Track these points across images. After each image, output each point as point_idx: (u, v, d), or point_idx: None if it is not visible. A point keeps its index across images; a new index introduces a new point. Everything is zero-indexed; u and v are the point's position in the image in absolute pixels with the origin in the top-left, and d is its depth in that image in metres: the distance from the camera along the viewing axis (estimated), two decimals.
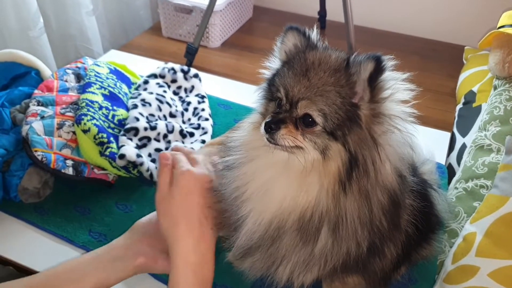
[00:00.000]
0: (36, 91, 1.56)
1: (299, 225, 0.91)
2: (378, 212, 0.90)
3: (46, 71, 1.69)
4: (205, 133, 1.66)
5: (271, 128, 0.87)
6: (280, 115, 0.88)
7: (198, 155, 1.10)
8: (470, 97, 1.81)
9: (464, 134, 1.70)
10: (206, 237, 1.01)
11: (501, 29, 1.62)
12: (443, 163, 1.67)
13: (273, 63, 1.00)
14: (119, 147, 1.45)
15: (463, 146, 1.64)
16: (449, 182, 1.56)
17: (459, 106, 1.86)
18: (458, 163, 1.61)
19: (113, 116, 1.55)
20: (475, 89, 1.81)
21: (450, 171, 1.64)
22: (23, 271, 1.27)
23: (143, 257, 1.03)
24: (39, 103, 1.51)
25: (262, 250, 0.99)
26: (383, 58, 0.81)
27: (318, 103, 0.85)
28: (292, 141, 0.87)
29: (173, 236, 0.98)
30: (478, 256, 1.16)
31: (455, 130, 1.78)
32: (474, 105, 1.76)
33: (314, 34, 0.95)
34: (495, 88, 1.61)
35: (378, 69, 0.81)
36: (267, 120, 0.88)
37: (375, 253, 1.00)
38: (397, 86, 0.85)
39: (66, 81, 1.65)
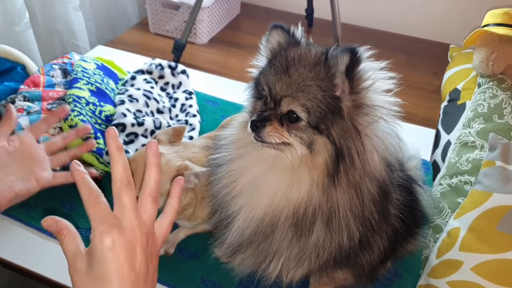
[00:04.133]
0: (22, 87, 1.55)
1: (293, 220, 0.93)
2: (369, 203, 0.92)
3: (32, 66, 1.68)
4: (193, 129, 1.66)
5: (257, 126, 0.89)
6: (265, 113, 0.90)
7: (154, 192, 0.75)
8: (455, 94, 1.84)
9: (448, 131, 1.73)
10: None
11: (485, 28, 1.64)
12: (428, 160, 1.69)
13: (260, 61, 1.01)
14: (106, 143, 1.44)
15: (448, 143, 1.66)
16: (434, 179, 1.59)
17: (444, 103, 1.89)
18: (443, 159, 1.63)
19: (100, 111, 1.55)
20: (459, 87, 1.84)
21: (435, 168, 1.66)
22: (9, 267, 1.27)
23: None
24: (25, 99, 1.50)
25: (254, 246, 1.00)
26: (358, 50, 0.82)
27: (300, 99, 0.86)
28: (278, 137, 0.89)
29: None
30: (461, 250, 1.18)
31: (440, 127, 1.80)
32: (458, 102, 1.78)
33: (298, 31, 0.96)
34: (479, 86, 1.63)
35: (354, 61, 0.82)
36: (253, 119, 0.90)
37: (364, 247, 1.02)
38: (377, 76, 0.86)
39: (52, 76, 1.65)
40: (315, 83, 0.86)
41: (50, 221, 0.68)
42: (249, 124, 0.90)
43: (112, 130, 0.71)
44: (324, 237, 0.94)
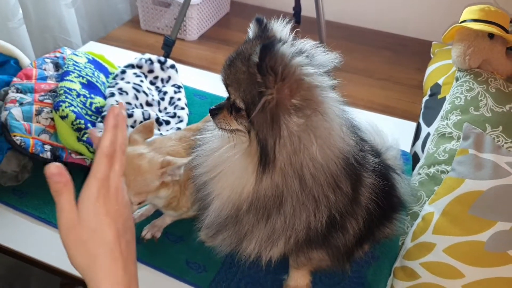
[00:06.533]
0: (15, 79, 1.59)
1: (252, 206, 0.97)
2: (319, 188, 0.95)
3: (25, 60, 1.72)
4: (181, 121, 1.71)
5: (212, 113, 0.97)
6: (223, 102, 0.97)
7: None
8: (436, 89, 1.89)
9: (429, 124, 1.78)
10: (130, 260, 0.77)
11: (462, 24, 1.70)
12: (408, 151, 1.75)
13: None
14: None
15: (428, 135, 1.72)
16: (413, 169, 1.64)
17: (426, 98, 1.94)
18: (423, 151, 1.68)
19: (91, 103, 1.60)
20: (440, 81, 1.90)
21: (415, 159, 1.71)
22: (3, 251, 1.31)
23: None
24: (18, 90, 1.55)
25: (229, 227, 1.05)
26: (267, 46, 0.83)
27: (237, 90, 0.90)
28: (226, 125, 0.95)
29: (95, 272, 0.72)
30: (434, 233, 1.23)
31: (421, 120, 1.86)
32: (439, 97, 1.84)
33: (273, 26, 0.97)
34: (457, 79, 1.69)
35: (262, 57, 0.82)
36: (210, 107, 0.97)
37: (336, 228, 1.06)
38: (304, 72, 0.85)
39: (44, 69, 1.69)
40: (245, 76, 0.88)
41: (57, 169, 0.69)
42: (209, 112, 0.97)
43: (117, 109, 0.76)
44: (287, 220, 0.98)
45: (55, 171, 0.69)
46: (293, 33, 0.98)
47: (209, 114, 1.01)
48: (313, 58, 0.91)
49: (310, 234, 1.01)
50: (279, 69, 0.83)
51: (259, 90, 0.86)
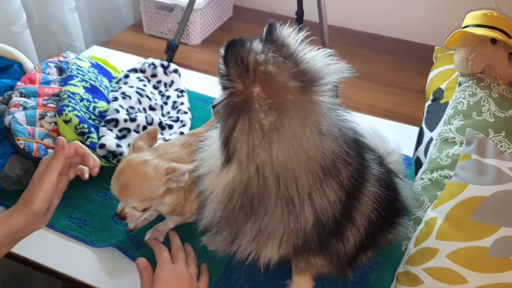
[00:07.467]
0: (19, 83, 1.60)
1: (230, 202, 0.96)
2: (291, 192, 0.92)
3: (28, 64, 1.73)
4: (184, 125, 1.71)
5: (212, 107, 1.00)
6: None
7: (181, 251, 1.24)
8: (438, 94, 1.89)
9: (431, 129, 1.78)
10: None
11: (465, 29, 1.70)
12: (411, 156, 1.75)
13: None
14: (99, 137, 1.50)
15: (431, 140, 1.72)
16: (416, 174, 1.64)
17: (428, 102, 1.94)
18: (425, 155, 1.69)
19: (94, 108, 1.60)
20: (443, 86, 1.90)
21: (418, 164, 1.71)
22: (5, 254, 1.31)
23: None
24: (22, 95, 1.55)
25: (226, 227, 1.05)
26: (235, 42, 0.83)
27: None
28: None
29: None
30: (437, 239, 1.23)
31: (423, 125, 1.86)
32: (442, 101, 1.84)
33: (282, 31, 0.95)
34: (460, 84, 1.69)
35: (226, 51, 0.83)
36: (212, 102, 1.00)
37: (334, 235, 1.06)
38: (271, 72, 0.83)
39: (48, 74, 1.70)
40: None
41: (145, 262, 1.16)
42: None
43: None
44: (266, 221, 0.96)
45: (143, 263, 1.15)
46: (304, 40, 0.94)
47: (212, 117, 1.02)
48: (309, 64, 0.89)
49: (304, 239, 1.00)
50: (241, 65, 0.82)
51: (224, 83, 0.85)
